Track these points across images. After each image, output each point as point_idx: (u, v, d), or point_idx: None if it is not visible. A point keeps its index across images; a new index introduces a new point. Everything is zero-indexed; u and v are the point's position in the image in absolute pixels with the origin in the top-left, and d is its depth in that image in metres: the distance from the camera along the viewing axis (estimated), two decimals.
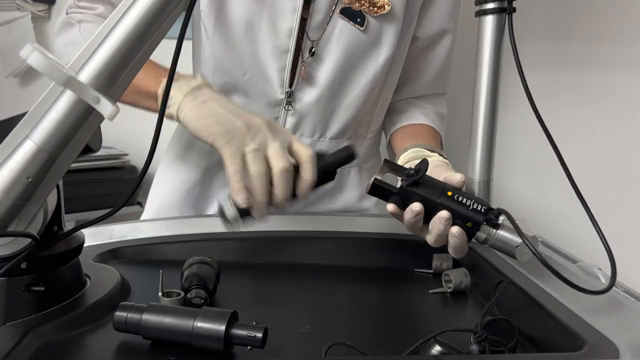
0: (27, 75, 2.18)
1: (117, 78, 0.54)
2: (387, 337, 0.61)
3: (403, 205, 0.66)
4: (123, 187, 1.89)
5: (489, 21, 0.71)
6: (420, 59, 1.02)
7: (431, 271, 0.80)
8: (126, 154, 2.00)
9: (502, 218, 0.64)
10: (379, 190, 0.67)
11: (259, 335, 0.51)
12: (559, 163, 0.67)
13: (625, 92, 1.15)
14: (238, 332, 0.52)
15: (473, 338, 0.54)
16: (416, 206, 0.64)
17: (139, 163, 2.02)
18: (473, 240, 0.66)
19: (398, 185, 0.66)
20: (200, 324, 0.52)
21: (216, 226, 0.84)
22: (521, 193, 1.28)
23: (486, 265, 0.77)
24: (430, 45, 1.01)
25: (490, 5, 0.70)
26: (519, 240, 0.62)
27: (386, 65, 0.93)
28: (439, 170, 0.72)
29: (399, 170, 0.68)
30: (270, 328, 0.53)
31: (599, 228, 0.63)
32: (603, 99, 1.18)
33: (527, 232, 0.61)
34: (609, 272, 0.61)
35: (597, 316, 0.57)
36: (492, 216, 0.64)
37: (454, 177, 0.68)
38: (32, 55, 0.50)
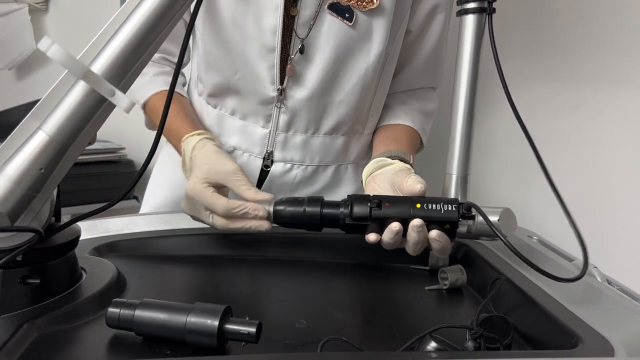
0: (24, 67, 2.17)
1: (128, 71, 0.55)
2: (382, 333, 0.61)
3: (379, 230, 0.69)
4: (120, 181, 1.89)
5: (470, 20, 0.73)
6: (411, 48, 1.01)
7: (427, 268, 0.80)
8: (123, 148, 2.00)
9: (474, 210, 0.66)
10: (354, 227, 0.69)
11: (253, 330, 0.51)
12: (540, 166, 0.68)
13: (595, 101, 1.18)
14: (231, 327, 0.52)
15: (469, 335, 0.54)
16: (395, 226, 0.66)
17: (136, 157, 2.02)
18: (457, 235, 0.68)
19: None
20: (193, 320, 0.51)
21: None
22: (505, 193, 1.28)
23: (482, 262, 0.77)
24: (422, 33, 0.99)
25: (471, 5, 0.72)
26: (496, 218, 0.66)
27: (378, 61, 0.93)
28: (400, 176, 0.75)
29: (363, 199, 0.69)
30: (266, 323, 0.53)
31: (571, 218, 0.67)
32: (580, 108, 1.21)
33: (498, 209, 0.66)
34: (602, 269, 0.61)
35: (592, 314, 0.58)
36: (464, 211, 0.66)
37: (415, 188, 0.70)
38: (52, 48, 0.51)
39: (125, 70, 0.55)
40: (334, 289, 0.75)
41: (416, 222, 0.66)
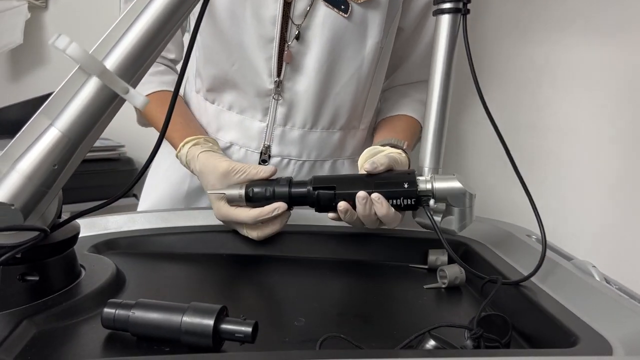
0: (21, 64, 2.17)
1: (139, 68, 0.56)
2: (381, 331, 0.61)
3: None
4: (119, 179, 1.88)
5: (445, 20, 0.76)
6: (407, 45, 1.03)
7: (426, 267, 0.80)
8: (122, 146, 1.99)
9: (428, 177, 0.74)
10: (325, 205, 0.75)
11: (249, 330, 0.51)
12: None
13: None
14: (227, 327, 0.51)
15: (468, 334, 0.54)
16: (342, 205, 0.74)
17: (136, 155, 2.02)
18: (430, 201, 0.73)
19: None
20: (188, 320, 0.51)
21: (211, 219, 0.84)
22: (502, 193, 1.28)
23: (481, 261, 0.77)
24: (417, 29, 1.01)
25: (447, 6, 0.75)
26: (458, 183, 0.73)
27: (373, 54, 0.93)
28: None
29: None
30: (264, 321, 0.53)
31: (532, 201, 0.71)
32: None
33: (451, 175, 0.74)
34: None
35: (591, 313, 0.58)
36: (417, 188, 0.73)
37: (365, 168, 0.76)
38: (70, 46, 0.51)
39: (136, 67, 0.56)
40: (333, 287, 0.75)
41: (360, 194, 0.73)
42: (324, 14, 0.89)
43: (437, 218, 0.74)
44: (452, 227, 0.75)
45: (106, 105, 0.55)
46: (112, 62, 0.54)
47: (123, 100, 0.56)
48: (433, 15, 0.78)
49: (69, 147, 0.54)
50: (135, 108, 1.01)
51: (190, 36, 0.63)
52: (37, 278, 0.57)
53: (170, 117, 0.62)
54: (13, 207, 0.52)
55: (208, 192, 0.82)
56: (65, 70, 0.54)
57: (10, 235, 0.54)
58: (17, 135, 0.54)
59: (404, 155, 0.86)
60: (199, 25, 0.62)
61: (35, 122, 0.54)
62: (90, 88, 0.53)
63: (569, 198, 1.20)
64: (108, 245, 0.78)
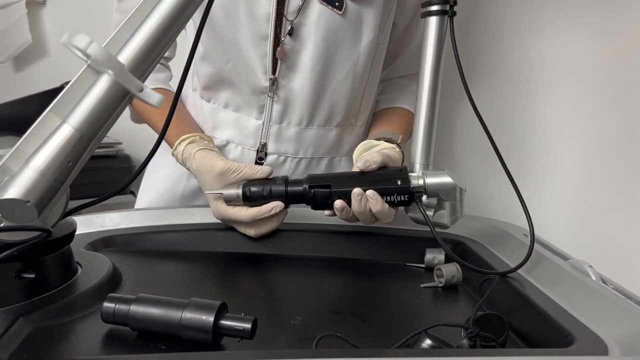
0: (21, 61, 2.17)
1: (150, 65, 0.56)
2: (378, 330, 0.61)
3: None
4: (116, 176, 1.88)
5: (433, 22, 0.78)
6: (404, 38, 1.03)
7: (423, 265, 0.80)
8: (120, 143, 1.99)
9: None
10: (321, 203, 0.76)
11: (248, 326, 0.51)
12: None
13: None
14: (227, 323, 0.52)
15: (464, 333, 0.54)
16: (338, 203, 0.75)
17: (133, 152, 2.01)
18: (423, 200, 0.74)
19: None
20: (188, 316, 0.52)
21: (209, 216, 0.84)
22: (500, 193, 1.29)
23: (478, 260, 0.77)
24: (411, 24, 1.01)
25: (434, 8, 0.77)
26: (448, 178, 0.74)
27: (369, 51, 0.93)
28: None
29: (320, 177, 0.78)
30: (261, 319, 0.53)
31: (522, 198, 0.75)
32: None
33: (442, 171, 0.75)
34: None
35: (587, 313, 0.58)
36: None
37: (359, 166, 0.76)
38: (92, 46, 0.52)
39: (147, 65, 0.56)
40: (330, 285, 0.75)
41: (356, 190, 0.74)
42: (318, 11, 0.89)
43: (430, 213, 0.76)
44: (444, 221, 0.76)
45: (118, 102, 0.55)
46: (124, 60, 0.55)
47: (132, 97, 0.56)
48: (421, 17, 0.79)
49: (82, 144, 0.54)
50: (129, 105, 1.01)
51: (194, 35, 0.63)
52: (33, 275, 0.57)
53: (172, 117, 0.62)
54: (29, 204, 0.52)
55: (206, 192, 0.82)
56: (64, 67, 0.54)
57: (11, 233, 0.54)
58: (27, 134, 0.54)
59: (397, 150, 0.86)
60: (204, 24, 0.62)
61: (45, 120, 0.54)
62: (103, 85, 0.54)
63: (566, 198, 1.20)
64: (105, 242, 0.78)
